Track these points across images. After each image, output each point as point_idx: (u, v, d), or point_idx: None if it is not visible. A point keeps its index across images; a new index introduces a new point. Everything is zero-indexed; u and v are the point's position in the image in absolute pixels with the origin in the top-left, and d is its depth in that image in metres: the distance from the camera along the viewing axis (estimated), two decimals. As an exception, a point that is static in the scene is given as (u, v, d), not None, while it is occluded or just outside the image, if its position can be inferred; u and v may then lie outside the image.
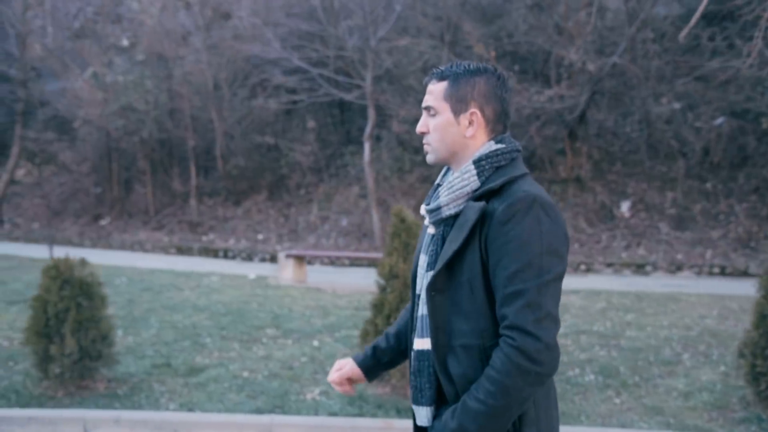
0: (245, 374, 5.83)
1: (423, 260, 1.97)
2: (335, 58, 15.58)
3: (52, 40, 21.84)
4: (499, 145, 1.90)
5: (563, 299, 8.91)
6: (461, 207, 1.87)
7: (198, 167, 18.88)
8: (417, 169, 16.69)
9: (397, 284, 5.17)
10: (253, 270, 12.98)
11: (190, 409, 5.04)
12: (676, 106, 15.13)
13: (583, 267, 13.46)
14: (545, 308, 1.72)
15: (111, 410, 4.98)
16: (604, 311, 8.28)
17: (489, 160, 1.88)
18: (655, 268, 13.08)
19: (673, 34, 13.10)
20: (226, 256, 16.64)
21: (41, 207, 22.15)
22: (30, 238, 19.57)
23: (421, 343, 1.92)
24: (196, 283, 10.65)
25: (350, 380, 2.23)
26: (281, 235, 17.35)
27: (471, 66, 1.94)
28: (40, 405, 5.14)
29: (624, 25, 14.31)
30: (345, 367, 2.23)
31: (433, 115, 1.95)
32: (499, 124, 1.94)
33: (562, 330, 7.18)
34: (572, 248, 14.24)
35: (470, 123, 1.92)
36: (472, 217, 1.81)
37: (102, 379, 5.56)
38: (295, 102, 16.50)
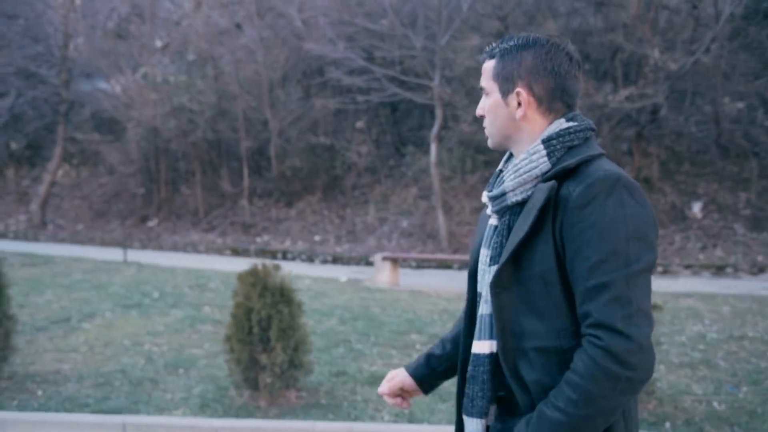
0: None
1: (484, 254, 1.76)
2: (402, 57, 15.46)
3: (85, 40, 21.67)
4: (571, 123, 1.70)
5: (684, 303, 8.85)
6: (529, 192, 1.66)
7: (249, 168, 18.73)
8: (479, 171, 16.58)
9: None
10: (314, 271, 12.86)
11: (410, 421, 4.90)
12: (740, 105, 15.07)
13: (659, 268, 13.37)
14: (636, 302, 1.51)
15: (340, 422, 4.84)
16: (741, 314, 8.17)
17: (560, 139, 1.67)
18: (736, 269, 12.99)
19: (740, 32, 13.05)
20: (284, 258, 16.49)
21: (82, 208, 21.97)
22: (76, 240, 19.39)
23: (480, 346, 1.72)
24: (294, 286, 10.48)
25: (404, 392, 2.01)
26: (339, 236, 17.22)
27: (520, 39, 1.74)
28: (249, 415, 5.00)
29: (693, 22, 14.25)
30: (396, 377, 2.01)
31: (487, 96, 1.79)
32: (556, 102, 1.72)
33: (723, 337, 7.08)
34: (646, 249, 14.16)
35: (519, 104, 1.72)
36: (540, 198, 1.60)
37: (293, 388, 5.42)
38: (358, 102, 16.35)
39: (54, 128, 23.36)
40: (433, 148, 15.22)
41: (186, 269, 12.55)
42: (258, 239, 17.81)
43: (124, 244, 13.89)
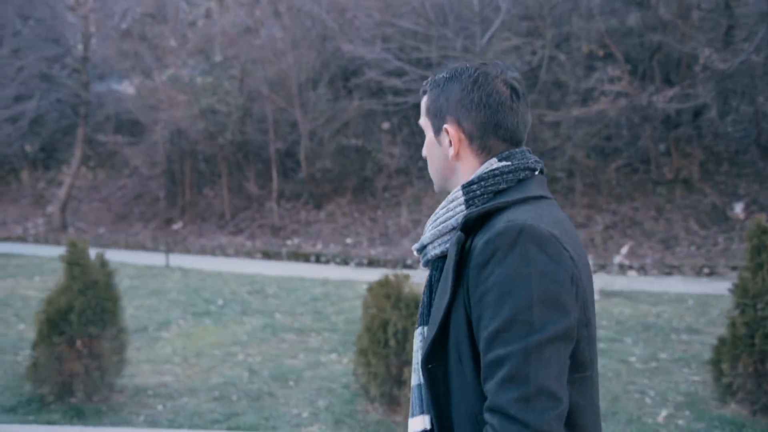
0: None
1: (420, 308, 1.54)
2: (439, 59, 15.31)
3: (106, 41, 21.41)
4: (503, 163, 1.46)
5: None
6: (447, 245, 1.44)
7: (277, 170, 18.55)
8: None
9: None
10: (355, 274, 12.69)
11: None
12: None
13: (706, 270, 13.30)
14: (536, 381, 1.25)
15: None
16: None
17: (482, 183, 1.44)
18: (784, 270, 12.92)
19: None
20: (317, 261, 16.32)
21: (102, 211, 21.72)
22: (99, 243, 19.13)
23: (415, 423, 1.46)
24: (356, 293, 10.35)
25: None
26: (372, 239, 17.06)
27: (449, 71, 1.55)
28: (389, 431, 4.85)
29: (729, 20, 14.18)
30: None
31: (425, 135, 1.59)
32: (490, 138, 1.48)
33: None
34: (689, 250, 14.10)
35: (450, 142, 1.50)
36: (452, 254, 1.38)
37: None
38: (391, 104, 16.20)
39: (69, 130, 23.13)
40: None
41: (233, 274, 12.38)
42: (288, 242, 17.62)
43: (166, 248, 13.68)
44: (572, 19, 14.87)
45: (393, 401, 4.95)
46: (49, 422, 4.77)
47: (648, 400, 5.31)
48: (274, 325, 8.01)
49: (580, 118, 14.82)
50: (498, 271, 1.30)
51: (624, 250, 14.13)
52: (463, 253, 1.37)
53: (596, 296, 9.37)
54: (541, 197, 1.45)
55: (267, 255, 16.91)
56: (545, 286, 1.29)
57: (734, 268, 13.30)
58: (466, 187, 1.45)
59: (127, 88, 23.87)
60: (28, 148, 23.89)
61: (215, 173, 19.89)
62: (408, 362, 4.88)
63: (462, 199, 1.44)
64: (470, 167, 1.50)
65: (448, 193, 1.54)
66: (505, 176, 1.44)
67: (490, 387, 1.28)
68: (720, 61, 12.68)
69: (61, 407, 5.03)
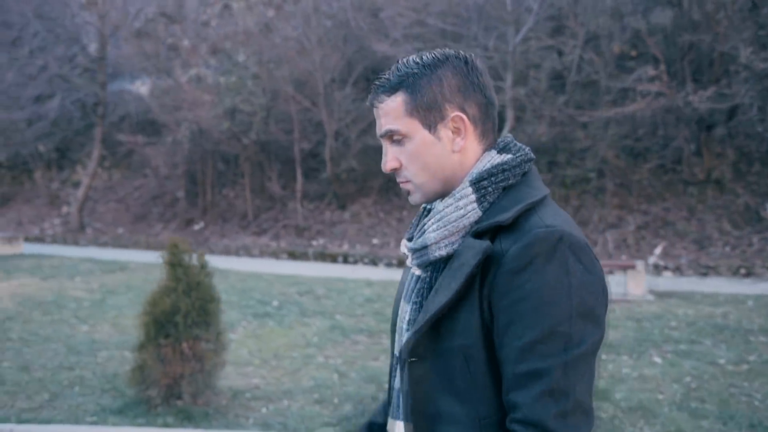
0: None
1: (404, 311, 1.45)
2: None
3: (124, 41, 21.26)
4: (505, 156, 1.40)
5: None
6: (456, 246, 1.36)
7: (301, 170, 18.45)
8: (542, 173, 16.41)
9: None
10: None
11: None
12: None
13: (742, 270, 13.29)
14: (574, 396, 1.23)
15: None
16: None
17: (493, 179, 1.37)
18: (822, 270, 12.94)
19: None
20: (345, 262, 16.22)
21: (120, 211, 21.57)
22: (119, 244, 19.01)
23: (394, 427, 1.44)
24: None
25: None
26: (399, 239, 16.93)
27: (425, 59, 1.42)
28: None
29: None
30: None
31: (400, 142, 1.43)
32: (488, 121, 1.43)
33: None
34: (724, 251, 14.09)
35: (456, 132, 1.41)
36: (471, 261, 1.30)
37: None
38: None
39: (83, 130, 22.97)
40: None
41: (273, 275, 12.28)
42: (314, 242, 17.52)
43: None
44: (602, 18, 14.84)
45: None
46: (165, 425, 4.67)
47: (757, 403, 5.26)
48: (342, 326, 7.92)
49: (610, 118, 14.80)
50: (536, 279, 1.25)
51: (658, 250, 14.10)
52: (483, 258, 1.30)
53: (649, 296, 9.29)
54: (547, 195, 1.40)
55: (293, 256, 16.80)
56: (583, 298, 1.26)
57: (771, 269, 13.31)
58: (476, 184, 1.38)
59: (139, 88, 23.73)
60: (41, 148, 23.70)
61: (237, 173, 19.78)
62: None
63: (473, 196, 1.37)
64: (474, 157, 1.42)
65: (440, 198, 1.45)
66: (513, 170, 1.39)
67: (523, 399, 1.24)
68: (760, 60, 12.67)
69: (167, 410, 4.93)
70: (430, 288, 1.39)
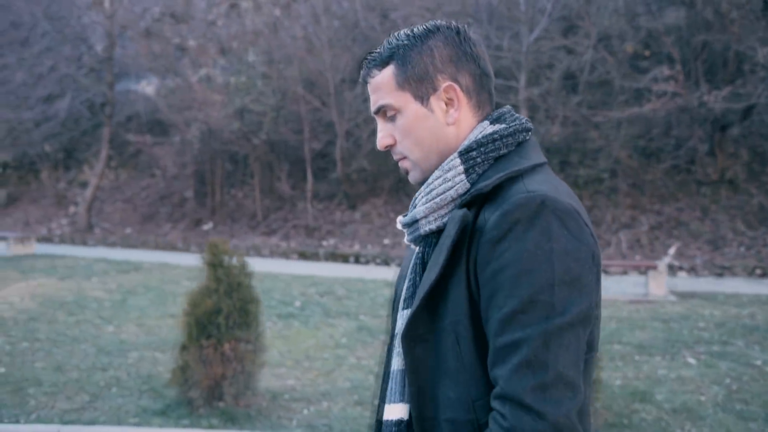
0: None
1: (402, 289, 1.41)
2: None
3: (131, 41, 21.21)
4: (497, 126, 1.34)
5: None
6: (445, 219, 1.31)
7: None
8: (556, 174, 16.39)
9: None
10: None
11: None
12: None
13: (758, 271, 13.26)
14: (555, 368, 1.13)
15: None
16: None
17: (482, 149, 1.32)
18: (838, 270, 12.92)
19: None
20: (357, 262, 16.18)
21: (127, 211, 21.50)
22: (128, 244, 18.94)
23: (391, 411, 1.34)
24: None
25: None
26: (411, 239, 16.94)
27: (416, 30, 1.38)
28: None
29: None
30: None
31: (393, 118, 1.38)
32: (483, 92, 1.37)
33: None
34: (738, 251, 14.06)
35: (449, 104, 1.36)
36: (452, 231, 1.24)
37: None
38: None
39: (89, 131, 22.90)
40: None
41: (290, 275, 12.23)
42: (324, 243, 17.48)
43: (201, 249, 13.43)
44: (615, 18, 14.81)
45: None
46: (210, 427, 4.62)
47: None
48: (368, 327, 7.88)
49: (623, 118, 14.77)
50: (516, 247, 1.17)
51: (672, 250, 14.06)
52: (466, 229, 1.25)
53: (671, 297, 9.23)
54: (545, 164, 1.33)
55: (304, 256, 16.75)
56: (567, 265, 1.17)
57: (787, 269, 13.29)
58: (464, 154, 1.32)
59: (145, 87, 23.68)
60: (48, 148, 23.63)
61: (246, 173, 19.73)
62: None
63: (461, 167, 1.31)
64: (468, 128, 1.37)
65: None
66: (504, 140, 1.32)
67: (501, 373, 1.16)
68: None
69: (210, 411, 4.89)
70: (424, 264, 1.34)
